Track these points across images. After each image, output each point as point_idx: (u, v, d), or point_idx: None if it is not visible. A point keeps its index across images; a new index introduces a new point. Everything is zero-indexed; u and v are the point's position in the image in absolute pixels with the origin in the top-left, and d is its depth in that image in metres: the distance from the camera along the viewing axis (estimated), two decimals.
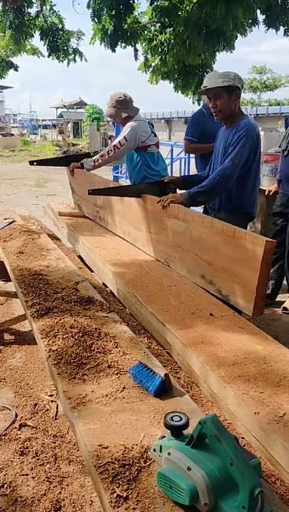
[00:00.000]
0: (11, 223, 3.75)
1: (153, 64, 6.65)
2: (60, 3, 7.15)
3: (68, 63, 6.93)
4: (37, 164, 4.16)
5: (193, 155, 4.30)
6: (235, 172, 2.50)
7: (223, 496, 0.96)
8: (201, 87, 2.82)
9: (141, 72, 6.78)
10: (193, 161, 7.33)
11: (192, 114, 4.26)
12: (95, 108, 28.19)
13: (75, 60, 6.92)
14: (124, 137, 3.24)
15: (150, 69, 6.70)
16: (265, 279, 1.97)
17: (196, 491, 0.96)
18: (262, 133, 6.85)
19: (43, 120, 42.32)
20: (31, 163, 4.06)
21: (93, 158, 3.52)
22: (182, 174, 7.85)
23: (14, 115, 47.62)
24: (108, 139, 17.68)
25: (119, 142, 3.26)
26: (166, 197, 2.64)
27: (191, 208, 3.24)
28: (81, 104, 35.64)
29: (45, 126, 37.93)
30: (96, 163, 3.45)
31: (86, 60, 7.08)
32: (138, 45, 6.37)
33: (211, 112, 2.70)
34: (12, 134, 29.04)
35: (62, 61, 6.86)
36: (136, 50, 6.34)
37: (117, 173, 10.21)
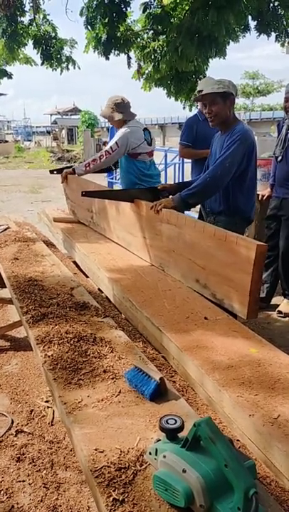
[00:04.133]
0: (5, 230, 3.76)
1: (146, 71, 6.70)
2: (52, 10, 7.19)
3: (61, 71, 6.97)
4: (57, 173, 4.19)
5: (189, 160, 4.34)
6: (226, 174, 2.53)
7: (219, 497, 0.96)
8: (196, 93, 2.86)
9: (135, 80, 6.82)
10: (186, 166, 7.38)
11: (186, 119, 4.30)
12: (90, 114, 28.27)
13: (68, 68, 6.96)
14: (116, 143, 3.26)
15: (144, 76, 6.75)
16: (258, 282, 1.99)
17: (191, 493, 0.96)
18: (255, 138, 6.91)
19: (37, 127, 42.38)
20: (52, 172, 4.17)
21: (84, 163, 3.52)
22: (176, 179, 7.90)
23: (8, 122, 47.62)
24: (102, 144, 17.74)
25: (111, 148, 3.28)
26: (159, 201, 2.66)
27: (186, 212, 3.27)
28: (75, 110, 35.72)
29: (46, 133, 37.84)
30: (87, 168, 3.44)
31: (79, 68, 7.11)
32: (131, 53, 6.42)
33: (206, 118, 2.73)
34: (6, 141, 29.09)
35: (56, 69, 6.89)
36: (129, 58, 6.39)
37: (112, 178, 10.22)
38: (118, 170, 3.89)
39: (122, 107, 3.36)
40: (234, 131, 2.56)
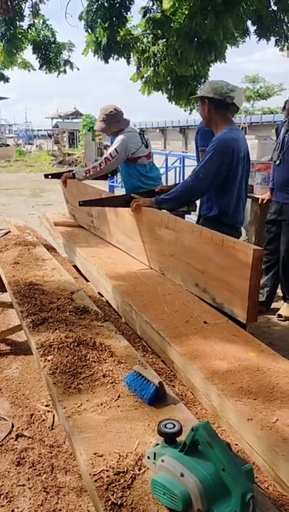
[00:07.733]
0: (6, 234, 3.77)
1: (145, 75, 6.72)
2: (50, 13, 7.25)
3: (58, 74, 7.02)
4: (52, 178, 4.14)
5: (191, 164, 4.34)
6: (199, 186, 2.52)
7: (216, 501, 0.97)
8: None
9: (133, 82, 6.85)
10: (187, 170, 7.38)
11: (201, 123, 4.26)
12: (91, 118, 28.34)
13: (65, 71, 7.00)
14: (115, 149, 3.28)
15: (143, 79, 6.78)
16: (257, 286, 2.00)
17: (189, 497, 0.97)
18: (256, 141, 6.93)
19: (38, 130, 42.45)
20: (46, 176, 4.08)
21: (85, 169, 3.57)
22: (177, 183, 7.91)
23: (9, 125, 47.74)
24: (104, 148, 17.74)
25: (110, 154, 3.31)
26: (136, 201, 2.72)
27: (187, 216, 3.29)
28: (76, 114, 35.81)
29: (47, 136, 37.80)
30: (87, 175, 3.49)
31: (78, 69, 7.16)
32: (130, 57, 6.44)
33: None
34: (7, 145, 29.16)
35: (54, 72, 6.94)
36: (128, 60, 6.41)
37: (113, 182, 10.25)
38: (119, 174, 3.91)
39: (116, 117, 3.38)
40: (212, 140, 2.54)
